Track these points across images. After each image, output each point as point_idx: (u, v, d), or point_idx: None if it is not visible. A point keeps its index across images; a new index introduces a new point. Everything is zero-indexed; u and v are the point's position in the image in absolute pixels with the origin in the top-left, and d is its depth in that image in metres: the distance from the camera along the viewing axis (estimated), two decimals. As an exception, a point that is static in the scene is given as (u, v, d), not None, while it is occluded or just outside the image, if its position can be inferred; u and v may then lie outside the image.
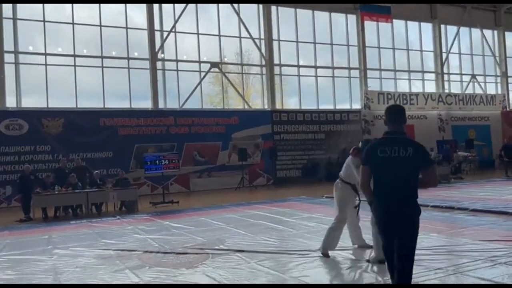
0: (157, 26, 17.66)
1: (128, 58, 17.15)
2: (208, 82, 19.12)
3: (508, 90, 25.42)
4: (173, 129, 17.27)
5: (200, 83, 18.34)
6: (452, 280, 4.17)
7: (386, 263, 3.41)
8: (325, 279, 4.42)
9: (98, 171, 12.79)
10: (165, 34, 17.75)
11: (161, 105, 17.57)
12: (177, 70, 18.03)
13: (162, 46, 17.70)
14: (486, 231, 6.42)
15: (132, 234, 7.77)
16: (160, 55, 17.69)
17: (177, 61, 17.97)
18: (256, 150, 18.70)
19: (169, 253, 6.02)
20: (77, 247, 6.79)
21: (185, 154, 17.25)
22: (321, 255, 5.30)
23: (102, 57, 16.68)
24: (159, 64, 17.64)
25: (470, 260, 4.80)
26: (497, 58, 25.17)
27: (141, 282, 4.62)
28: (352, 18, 21.31)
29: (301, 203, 11.24)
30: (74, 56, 16.28)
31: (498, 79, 25.44)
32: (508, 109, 24.91)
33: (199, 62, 18.40)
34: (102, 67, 16.71)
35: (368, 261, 4.94)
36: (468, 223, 7.22)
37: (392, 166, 3.23)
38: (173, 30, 17.84)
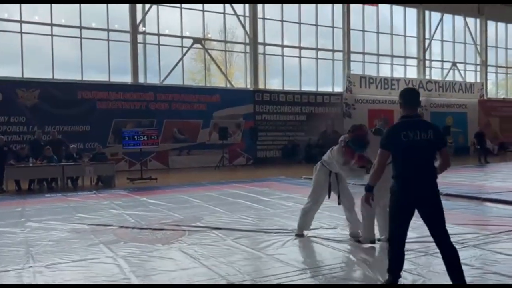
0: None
1: (108, 30, 16.68)
2: (190, 59, 18.84)
3: (486, 79, 25.87)
4: (153, 104, 17.01)
5: (182, 59, 18.03)
6: (422, 260, 4.26)
7: (391, 246, 3.41)
8: (300, 257, 4.46)
9: (74, 145, 12.54)
10: (147, 6, 17.28)
11: (141, 80, 17.24)
12: (159, 45, 17.65)
13: (143, 19, 17.26)
14: (459, 215, 6.57)
15: (108, 209, 7.69)
16: (141, 28, 17.26)
17: (158, 35, 17.58)
18: (237, 130, 18.63)
19: (145, 229, 5.98)
20: (51, 220, 6.67)
21: (164, 131, 17.06)
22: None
23: (80, 27, 16.18)
24: (140, 38, 17.23)
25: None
26: (478, 47, 25.50)
27: (115, 257, 4.58)
28: (338, -1, 21.16)
29: (279, 183, 11.30)
30: (52, 25, 15.74)
31: (478, 68, 25.84)
32: (485, 98, 25.40)
33: (182, 37, 18.04)
34: (81, 38, 16.23)
35: (358, 241, 4.95)
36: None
37: (416, 150, 3.24)
38: (156, 2, 17.38)
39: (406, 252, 4.48)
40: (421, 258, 4.35)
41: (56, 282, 3.87)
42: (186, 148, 17.69)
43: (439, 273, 3.81)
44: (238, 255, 4.61)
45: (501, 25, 26.48)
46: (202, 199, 8.53)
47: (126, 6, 16.86)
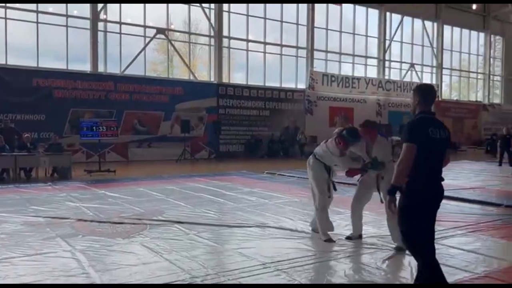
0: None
1: (67, 16, 16.01)
2: (152, 49, 18.42)
3: (441, 81, 26.98)
4: (112, 95, 16.55)
5: (144, 49, 17.61)
6: (382, 255, 4.39)
7: (424, 258, 3.06)
8: (262, 251, 4.48)
9: (28, 134, 11.99)
10: (109, -7, 16.74)
11: (100, 69, 16.71)
12: (120, 33, 17.16)
13: (105, 7, 16.69)
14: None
15: (64, 201, 7.41)
16: (102, 16, 16.70)
17: (120, 23, 17.08)
18: (200, 123, 18.47)
19: (105, 222, 5.82)
20: (2, 212, 6.35)
21: (124, 122, 16.64)
22: (261, 229, 5.35)
23: (37, 11, 15.45)
24: (100, 25, 16.67)
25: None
26: (435, 50, 26.52)
27: (73, 251, 4.42)
28: (303, -3, 21.33)
29: (242, 177, 11.29)
30: (6, 8, 14.92)
31: (434, 70, 26.88)
32: (440, 99, 26.48)
33: (144, 26, 17.62)
34: (37, 22, 15.50)
35: (349, 238, 4.99)
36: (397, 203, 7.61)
37: (438, 147, 3.08)
38: (118, -9, 16.86)
39: (368, 248, 4.65)
40: (378, 253, 4.47)
41: (9, 278, 3.69)
42: (147, 140, 17.34)
43: (404, 269, 3.94)
44: (201, 249, 4.58)
45: (456, 30, 27.69)
46: (163, 193, 8.39)
47: (86, -8, 16.25)
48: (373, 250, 4.56)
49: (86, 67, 16.47)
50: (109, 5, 16.80)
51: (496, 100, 30.41)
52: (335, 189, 5.09)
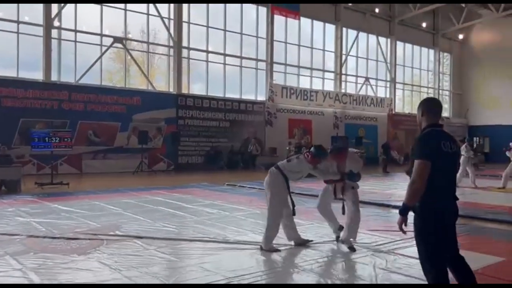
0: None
1: (18, 22, 15.35)
2: (109, 58, 17.97)
3: (395, 95, 28.05)
4: (66, 104, 15.96)
5: (100, 57, 17.15)
6: (339, 267, 4.44)
7: (437, 267, 2.89)
8: (224, 265, 4.41)
9: (-27, 145, 11.30)
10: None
11: (54, 78, 16.10)
12: (75, 41, 16.64)
13: (59, 14, 16.16)
14: (372, 222, 6.98)
15: (13, 216, 7.00)
16: (56, 23, 16.14)
17: (75, 31, 16.57)
18: (158, 134, 18.14)
19: (58, 238, 5.53)
20: None
21: (78, 133, 16.07)
22: (229, 243, 5.27)
23: (-15, 16, 14.71)
24: (54, 33, 16.10)
25: (358, 248, 5.16)
26: (388, 65, 27.59)
27: (24, 269, 4.16)
28: (263, 10, 21.63)
29: (202, 190, 11.15)
30: (-50, 11, 14.12)
31: (388, 84, 27.92)
32: (393, 112, 27.52)
33: (101, 35, 17.18)
34: (-15, 28, 14.76)
35: (338, 237, 5.36)
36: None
37: (450, 162, 2.92)
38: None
39: (325, 258, 4.69)
40: (338, 265, 4.52)
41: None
42: (102, 151, 16.80)
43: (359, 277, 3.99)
44: (161, 265, 4.45)
45: (408, 46, 28.98)
46: (120, 206, 8.12)
47: (39, -2, 15.68)
48: (335, 259, 4.60)
49: (39, 76, 15.81)
50: (64, 12, 16.29)
51: (445, 114, 31.96)
52: (293, 205, 5.12)
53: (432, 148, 2.84)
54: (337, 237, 5.39)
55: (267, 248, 4.93)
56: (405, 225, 2.89)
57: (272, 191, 5.00)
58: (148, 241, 5.40)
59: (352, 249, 5.02)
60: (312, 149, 5.10)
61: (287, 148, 19.77)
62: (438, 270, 2.87)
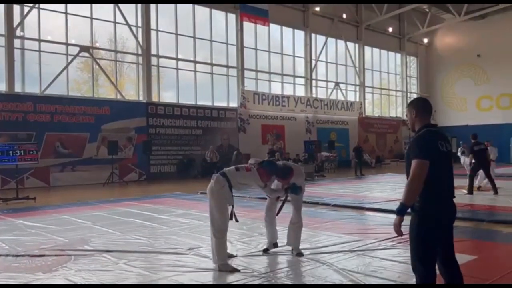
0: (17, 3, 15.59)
1: (-22, 32, 14.80)
2: (75, 68, 17.53)
3: (364, 99, 28.54)
4: (31, 116, 15.44)
5: (66, 67, 16.71)
6: (319, 271, 4.39)
7: (427, 269, 2.88)
8: (198, 278, 4.29)
9: None
10: (26, 9, 15.75)
11: (17, 89, 15.57)
12: (40, 51, 16.15)
13: (21, 23, 15.67)
14: (346, 225, 6.99)
15: (-26, 235, 6.64)
16: (19, 33, 15.64)
17: (39, 40, 16.09)
18: (129, 144, 17.77)
19: (22, 256, 5.26)
20: None
21: (45, 145, 15.56)
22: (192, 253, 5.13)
23: None
24: (17, 42, 15.60)
25: (333, 251, 5.14)
26: (357, 69, 28.06)
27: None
28: (232, 17, 21.64)
29: (175, 199, 10.94)
30: None
31: (357, 88, 28.39)
32: (363, 116, 27.97)
33: (67, 44, 16.75)
34: None
35: (266, 250, 5.16)
36: (330, 217, 7.79)
37: (447, 162, 2.94)
38: (36, 6, 15.91)
39: (302, 264, 4.64)
40: (318, 269, 4.48)
41: None
42: (70, 163, 16.31)
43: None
44: (132, 279, 4.28)
45: (376, 51, 29.60)
46: (90, 220, 7.85)
47: (0, 7, 15.15)
48: (310, 268, 4.55)
49: (1, 87, 15.25)
50: (27, 21, 15.81)
51: (413, 116, 32.66)
52: (236, 220, 4.75)
53: (430, 148, 2.85)
54: (266, 249, 5.19)
55: (221, 264, 4.51)
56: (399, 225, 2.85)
57: (215, 200, 4.57)
58: (118, 254, 5.21)
59: (300, 254, 4.98)
60: (264, 164, 4.78)
61: (234, 153, 19.24)
62: (428, 270, 2.87)
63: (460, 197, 10.63)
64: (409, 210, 2.89)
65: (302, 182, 4.96)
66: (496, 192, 10.71)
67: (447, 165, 2.95)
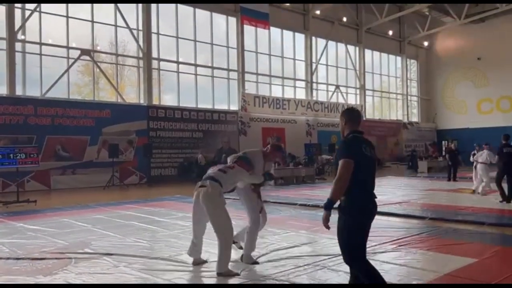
0: (18, 3, 15.64)
1: (-21, 35, 14.85)
2: (76, 71, 17.58)
3: (365, 101, 28.56)
4: (32, 119, 15.46)
5: (67, 70, 16.75)
6: (319, 274, 4.39)
7: (365, 264, 3.21)
8: (199, 281, 4.29)
9: None
10: (27, 13, 15.81)
11: (18, 92, 15.61)
12: (41, 54, 16.20)
13: (23, 26, 15.72)
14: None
15: (-25, 238, 6.65)
16: (20, 36, 15.69)
17: (40, 44, 16.15)
18: (129, 147, 17.79)
19: (23, 259, 5.26)
20: None
21: (46, 148, 15.58)
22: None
23: None
24: (18, 46, 15.64)
25: (334, 254, 5.13)
26: (357, 72, 28.09)
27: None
28: (233, 20, 21.69)
29: (176, 202, 10.95)
30: None
31: (358, 91, 28.40)
32: (364, 119, 27.95)
33: (68, 47, 16.80)
34: None
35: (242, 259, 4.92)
36: (331, 220, 7.69)
37: (371, 165, 3.27)
38: (37, 9, 15.97)
39: (303, 267, 4.64)
40: (318, 272, 4.47)
41: None
42: (71, 166, 16.32)
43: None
44: (133, 283, 4.27)
45: (376, 54, 29.64)
46: (90, 223, 7.85)
47: (2, 11, 15.21)
48: (311, 270, 4.54)
49: (2, 90, 15.29)
50: (28, 25, 15.86)
51: (414, 119, 32.75)
52: None
53: (354, 150, 3.19)
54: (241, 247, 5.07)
55: (226, 271, 4.42)
56: (328, 220, 3.15)
57: (217, 206, 4.50)
58: (119, 257, 5.21)
59: (256, 263, 4.80)
60: (241, 158, 4.85)
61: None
62: (363, 263, 3.19)
63: (461, 199, 10.62)
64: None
65: (271, 168, 5.10)
66: (504, 200, 9.69)
67: (370, 167, 3.25)
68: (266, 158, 4.98)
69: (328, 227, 3.16)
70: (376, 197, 3.28)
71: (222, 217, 4.48)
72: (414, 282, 4.09)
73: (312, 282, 4.17)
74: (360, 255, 3.20)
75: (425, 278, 4.20)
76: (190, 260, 4.99)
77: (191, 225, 7.34)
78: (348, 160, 3.11)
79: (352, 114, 3.44)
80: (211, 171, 4.77)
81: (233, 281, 4.27)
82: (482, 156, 11.67)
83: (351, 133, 3.34)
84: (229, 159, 5.01)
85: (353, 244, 3.18)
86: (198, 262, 4.86)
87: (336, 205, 3.17)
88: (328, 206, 3.11)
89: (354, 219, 3.14)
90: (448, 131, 31.54)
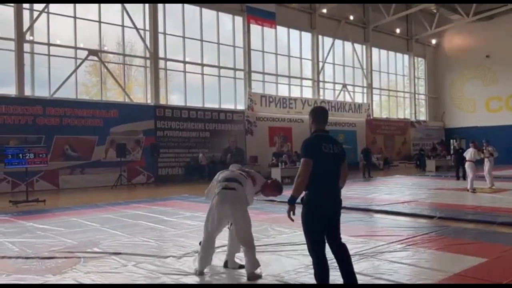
0: (26, 4, 15.77)
1: (-12, 36, 14.98)
2: (84, 71, 17.68)
3: (372, 100, 28.42)
4: (41, 119, 15.58)
5: (75, 70, 16.86)
6: (327, 274, 4.36)
7: (316, 257, 3.44)
8: (205, 280, 4.30)
9: None
10: (35, 14, 15.93)
11: (27, 93, 15.73)
12: (49, 55, 16.32)
13: (31, 27, 15.85)
14: (354, 227, 6.94)
15: (-15, 237, 6.72)
16: (28, 37, 15.81)
17: (49, 44, 16.27)
18: (137, 146, 17.87)
19: (32, 258, 5.31)
20: None
21: (54, 148, 15.69)
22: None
23: (-47, 31, 14.29)
24: (26, 47, 15.77)
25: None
26: (365, 71, 27.96)
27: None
28: (239, 20, 21.69)
29: (183, 201, 10.98)
30: None
31: (365, 90, 28.27)
32: (371, 117, 27.84)
33: (75, 48, 16.91)
34: (-46, 43, 14.33)
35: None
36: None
37: (331, 162, 3.46)
38: (45, 10, 16.09)
39: (310, 266, 4.62)
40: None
41: None
42: (79, 166, 16.43)
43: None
44: (141, 282, 4.30)
45: (383, 52, 29.48)
46: (98, 222, 7.90)
47: (11, 12, 15.34)
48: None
49: (11, 91, 15.43)
50: (36, 26, 15.98)
51: (422, 117, 32.54)
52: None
53: (313, 149, 3.43)
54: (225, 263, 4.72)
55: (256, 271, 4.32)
56: (293, 213, 3.42)
57: (246, 210, 4.43)
58: (127, 257, 5.23)
59: (242, 267, 4.50)
60: (252, 173, 4.75)
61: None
62: (318, 254, 3.41)
63: (469, 198, 10.54)
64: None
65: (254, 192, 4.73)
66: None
67: (330, 164, 3.45)
68: (262, 188, 4.76)
69: (292, 219, 3.42)
70: (338, 192, 3.51)
71: (250, 230, 4.40)
72: (423, 282, 4.06)
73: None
74: (313, 247, 3.43)
75: (434, 278, 4.17)
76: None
77: (198, 224, 7.42)
78: (307, 159, 3.38)
79: (317, 114, 3.65)
80: (230, 173, 4.60)
81: (238, 281, 4.27)
82: (467, 154, 11.65)
83: (314, 132, 3.59)
84: (234, 167, 4.79)
85: (308, 235, 3.45)
86: (234, 267, 4.62)
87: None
88: (291, 201, 3.40)
89: (308, 212, 3.40)
90: (456, 129, 31.29)
